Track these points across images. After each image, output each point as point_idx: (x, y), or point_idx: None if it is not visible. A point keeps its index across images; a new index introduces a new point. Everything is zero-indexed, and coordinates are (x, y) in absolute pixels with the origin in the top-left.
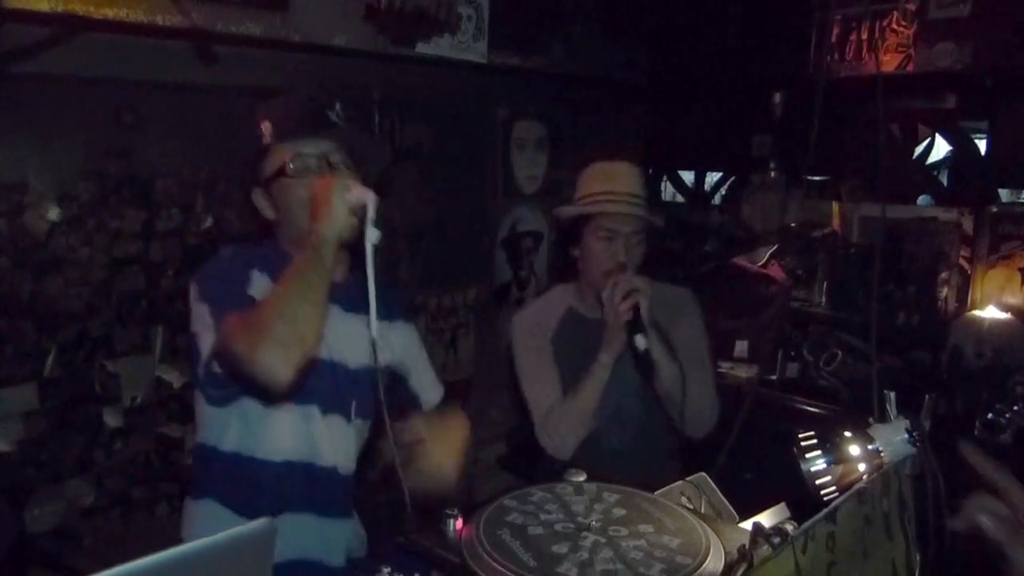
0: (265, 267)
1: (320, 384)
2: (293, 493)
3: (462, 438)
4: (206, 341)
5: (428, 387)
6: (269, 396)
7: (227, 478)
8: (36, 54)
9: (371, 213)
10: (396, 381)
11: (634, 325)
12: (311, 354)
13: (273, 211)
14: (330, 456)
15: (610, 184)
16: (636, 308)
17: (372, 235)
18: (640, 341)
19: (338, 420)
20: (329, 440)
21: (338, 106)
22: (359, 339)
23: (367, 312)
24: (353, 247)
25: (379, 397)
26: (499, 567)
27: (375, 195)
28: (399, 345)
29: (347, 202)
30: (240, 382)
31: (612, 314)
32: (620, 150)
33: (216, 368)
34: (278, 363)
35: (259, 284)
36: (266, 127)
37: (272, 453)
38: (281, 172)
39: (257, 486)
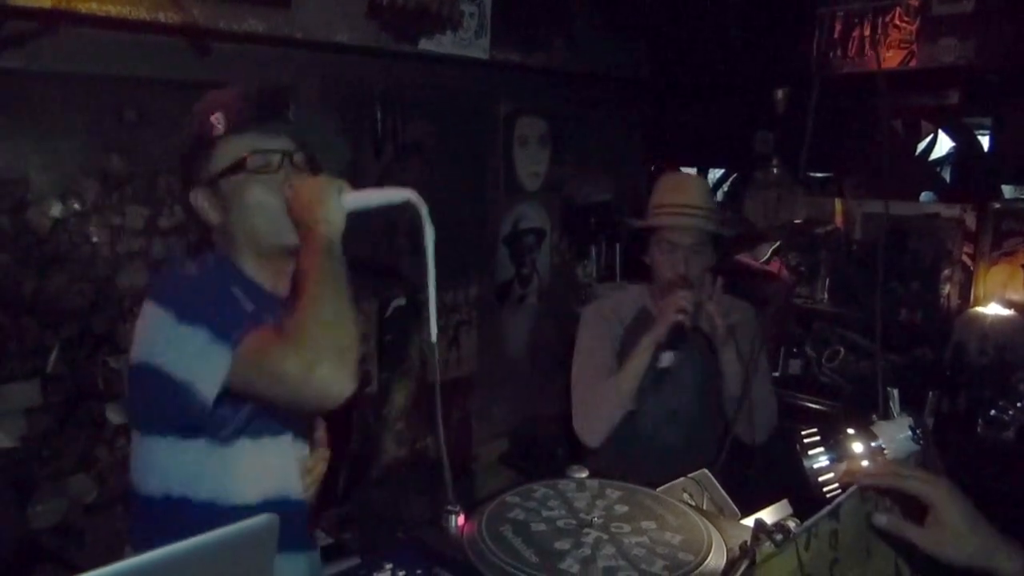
0: (234, 283)
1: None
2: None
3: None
4: (208, 369)
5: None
6: (262, 430)
7: (198, 531)
8: (38, 51)
9: (424, 212)
10: None
11: (668, 343)
12: (358, 359)
13: (218, 214)
14: (300, 485)
15: (673, 196)
16: (680, 325)
17: (430, 234)
18: (665, 358)
19: (300, 444)
20: (298, 468)
21: (292, 107)
22: None
23: None
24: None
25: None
26: (501, 563)
27: (412, 190)
28: None
29: (346, 204)
30: (265, 408)
31: (663, 311)
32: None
33: (224, 401)
34: (341, 374)
35: (243, 299)
36: (216, 117)
37: (251, 495)
38: (238, 167)
39: None
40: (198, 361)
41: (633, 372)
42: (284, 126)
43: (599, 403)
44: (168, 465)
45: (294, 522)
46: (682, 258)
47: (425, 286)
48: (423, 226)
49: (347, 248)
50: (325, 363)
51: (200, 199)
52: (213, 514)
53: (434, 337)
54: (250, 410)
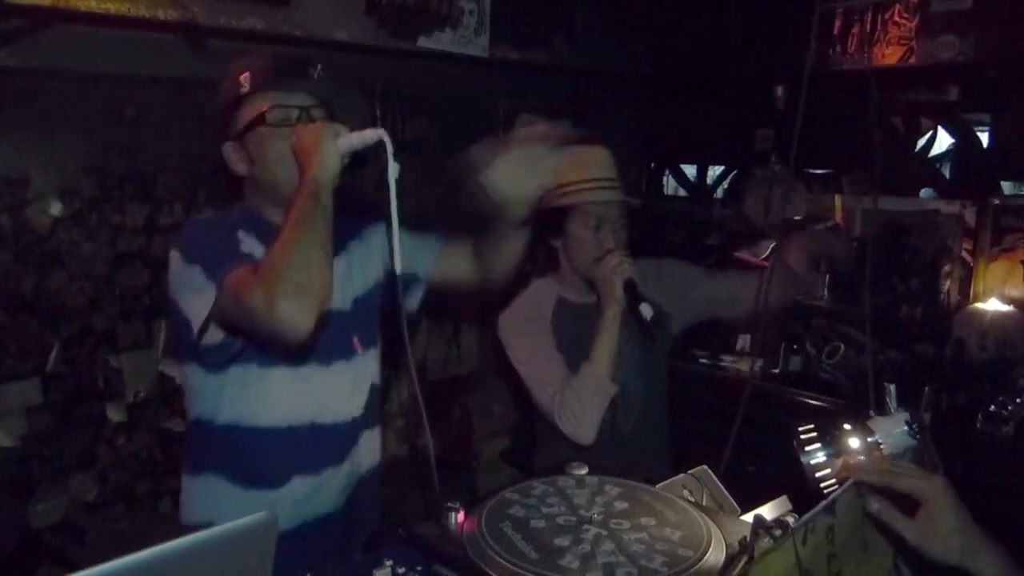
0: (247, 228)
1: (316, 339)
2: (300, 456)
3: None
4: (199, 304)
5: (426, 248)
6: (271, 355)
7: (227, 451)
8: (38, 49)
9: (389, 147)
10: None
11: (635, 298)
12: (328, 301)
13: (246, 165)
14: (334, 409)
15: (588, 171)
16: (632, 281)
17: (394, 170)
18: (646, 310)
19: (340, 366)
20: (332, 393)
21: (320, 66)
22: (345, 280)
23: (346, 251)
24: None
25: (407, 353)
26: (501, 560)
27: (382, 129)
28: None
29: (340, 147)
30: (249, 339)
31: (607, 279)
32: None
33: (214, 332)
34: (299, 312)
35: (247, 244)
36: (244, 77)
37: (273, 419)
38: (259, 122)
39: (260, 455)
40: (194, 296)
41: (608, 351)
42: (304, 84)
43: (584, 397)
44: (195, 389)
45: (334, 444)
46: (610, 231)
47: (389, 221)
48: (388, 161)
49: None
50: (285, 300)
51: (229, 151)
52: (236, 436)
53: (398, 269)
54: (242, 342)
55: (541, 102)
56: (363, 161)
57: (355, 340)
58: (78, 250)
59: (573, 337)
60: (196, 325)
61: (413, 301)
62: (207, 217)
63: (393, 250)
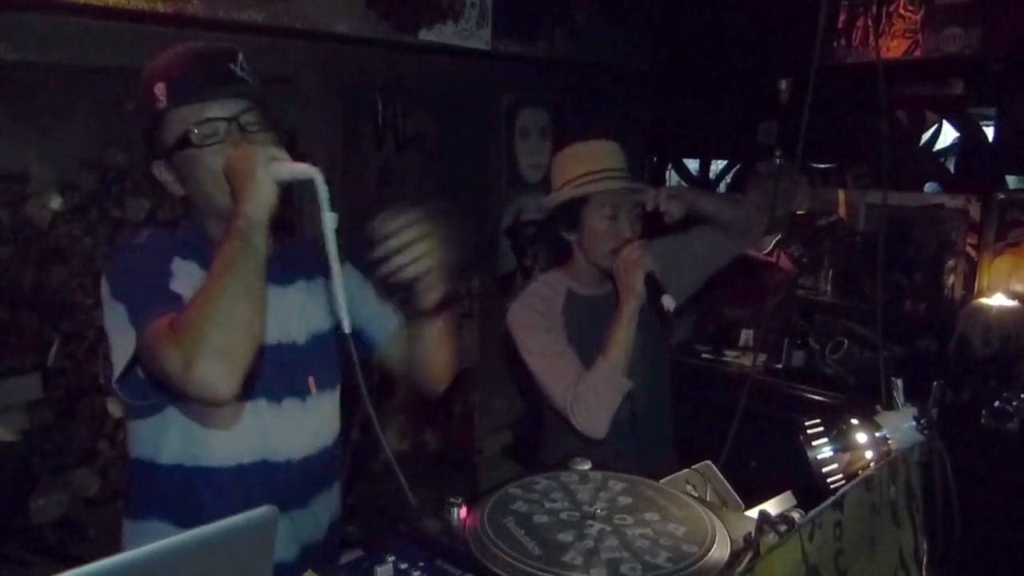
0: (188, 252)
1: (267, 372)
2: (252, 498)
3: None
4: (122, 347)
5: (386, 316)
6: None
7: (171, 494)
8: (36, 43)
9: (322, 192)
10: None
11: (656, 290)
12: (252, 358)
13: (180, 186)
14: (287, 449)
15: (601, 163)
16: (652, 274)
17: (330, 220)
18: (668, 301)
19: (293, 403)
20: (285, 430)
21: (240, 56)
22: (302, 310)
23: (307, 279)
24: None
25: (356, 376)
26: (504, 556)
27: (315, 168)
28: (359, 294)
29: (273, 175)
30: (170, 393)
31: (628, 271)
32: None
33: (138, 375)
34: (218, 377)
35: (184, 274)
36: (159, 89)
37: (221, 458)
38: (185, 142)
39: (207, 498)
40: (118, 337)
41: (624, 346)
42: (228, 90)
43: (599, 392)
44: (135, 427)
45: (288, 484)
46: (627, 221)
47: (329, 275)
48: (322, 210)
49: None
50: (203, 363)
51: (162, 172)
52: (180, 478)
53: (347, 328)
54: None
55: (543, 95)
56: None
57: (310, 379)
58: (78, 245)
59: (584, 330)
60: (116, 369)
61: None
62: (142, 242)
63: (339, 307)
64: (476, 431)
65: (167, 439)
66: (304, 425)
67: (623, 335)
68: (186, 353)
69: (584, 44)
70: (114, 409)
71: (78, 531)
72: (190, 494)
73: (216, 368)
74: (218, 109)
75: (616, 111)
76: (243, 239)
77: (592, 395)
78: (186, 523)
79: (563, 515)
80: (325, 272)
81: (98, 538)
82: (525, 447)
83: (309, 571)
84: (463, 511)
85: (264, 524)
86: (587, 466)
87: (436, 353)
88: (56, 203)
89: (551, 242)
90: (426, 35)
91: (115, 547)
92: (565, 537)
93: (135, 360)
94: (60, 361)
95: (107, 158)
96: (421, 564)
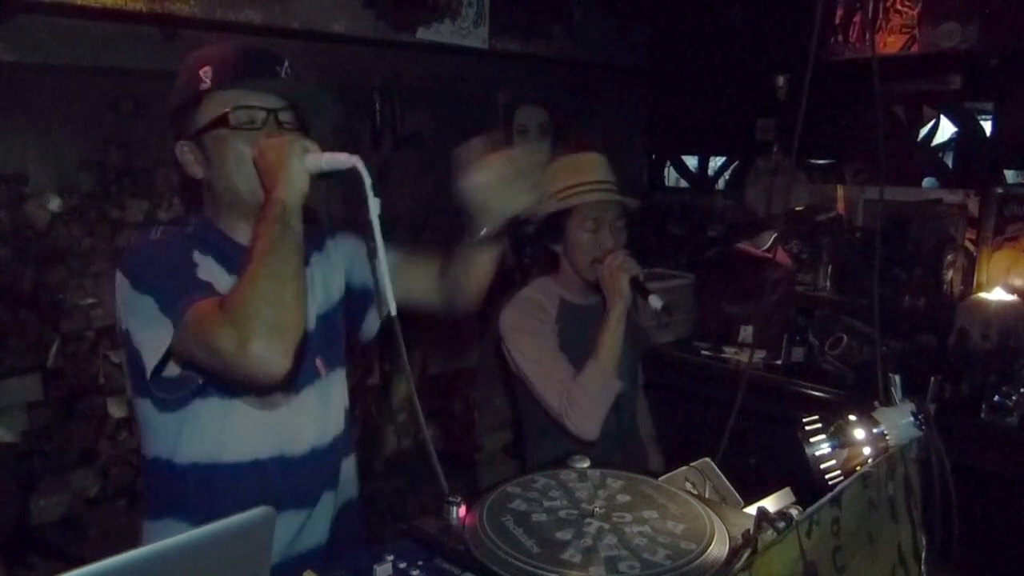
0: (204, 248)
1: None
2: (270, 493)
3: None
4: (152, 340)
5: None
6: (234, 387)
7: (188, 493)
8: (34, 44)
9: (366, 179)
10: (367, 300)
11: (642, 291)
12: (300, 335)
13: (202, 168)
14: (303, 439)
15: (584, 175)
16: (637, 276)
17: (375, 205)
18: (655, 300)
19: (306, 391)
20: (301, 422)
21: (286, 62)
22: (308, 293)
23: (307, 265)
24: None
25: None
26: (503, 554)
27: (356, 156)
28: (356, 267)
29: (310, 165)
30: (213, 378)
31: (612, 276)
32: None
33: (171, 368)
34: (274, 353)
35: (206, 267)
36: (205, 72)
37: (239, 455)
38: (220, 123)
39: (225, 495)
40: (146, 330)
41: (615, 348)
42: (273, 84)
43: (593, 394)
44: (152, 426)
45: (305, 477)
46: (609, 233)
47: (376, 260)
48: (367, 197)
49: None
50: (257, 340)
51: (185, 152)
52: (197, 476)
53: (393, 311)
54: (207, 376)
55: (541, 93)
56: (329, 173)
57: (318, 361)
58: (77, 245)
59: (574, 338)
60: (149, 363)
61: (372, 326)
62: (157, 237)
63: (385, 290)
64: (476, 429)
65: (184, 437)
66: (317, 410)
67: (612, 337)
68: (241, 331)
69: (582, 42)
70: (115, 409)
71: (79, 531)
72: (208, 492)
73: (271, 344)
74: (258, 99)
75: (614, 109)
76: (281, 222)
77: (584, 396)
78: (204, 522)
79: (562, 513)
80: (321, 249)
81: (98, 538)
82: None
83: (308, 571)
84: (462, 509)
85: (261, 525)
86: (586, 464)
87: (483, 277)
88: (55, 204)
89: (539, 252)
90: (423, 34)
91: (115, 547)
92: (563, 535)
93: (169, 352)
94: (60, 362)
95: (106, 159)
96: (420, 563)
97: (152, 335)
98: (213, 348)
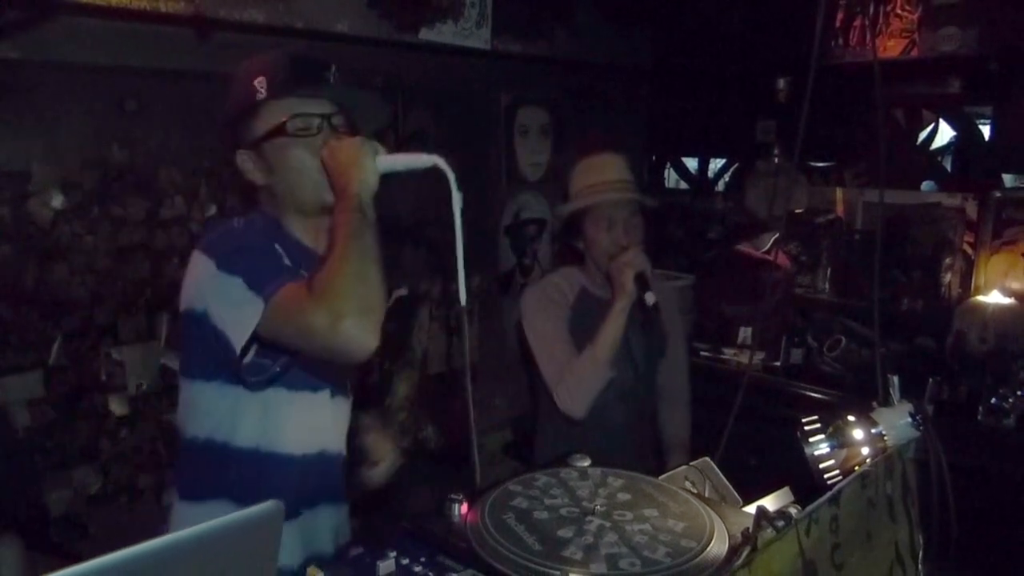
0: (275, 239)
1: (329, 364)
2: (308, 488)
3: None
4: (241, 319)
5: None
6: (297, 379)
7: (243, 476)
8: (38, 42)
9: (450, 176)
10: None
11: (643, 287)
12: (383, 317)
13: (264, 175)
14: (337, 441)
15: (599, 175)
16: (643, 273)
17: (458, 200)
18: (649, 297)
19: (340, 400)
20: (337, 425)
21: (334, 68)
22: None
23: None
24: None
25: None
26: (504, 551)
27: (435, 155)
28: None
29: (386, 165)
30: (294, 359)
31: (620, 271)
32: (614, 138)
33: (249, 354)
34: (364, 331)
35: (283, 257)
36: (260, 82)
37: (293, 446)
38: (279, 131)
39: (276, 485)
40: (232, 310)
41: (612, 339)
42: (325, 90)
43: (582, 377)
44: (211, 409)
45: (336, 479)
46: (622, 230)
47: (454, 252)
48: (452, 192)
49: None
50: (350, 318)
51: (245, 161)
52: (254, 461)
53: (463, 301)
54: (286, 361)
55: (543, 94)
56: (393, 174)
57: (349, 380)
58: (80, 243)
59: (586, 326)
60: (238, 342)
61: None
62: (241, 226)
63: (459, 284)
64: (476, 428)
65: (248, 422)
66: (344, 416)
67: (611, 329)
68: (333, 310)
69: (584, 43)
70: (116, 407)
71: (80, 528)
72: (259, 478)
73: (362, 322)
74: (313, 106)
75: (615, 110)
76: (360, 212)
77: (572, 376)
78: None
79: (563, 511)
80: None
81: (100, 535)
82: (525, 445)
83: (312, 566)
84: (464, 507)
85: (269, 519)
86: (586, 463)
87: None
88: (58, 201)
89: (564, 249)
90: (426, 34)
91: (116, 544)
92: (565, 533)
93: (256, 333)
94: (62, 359)
95: (109, 157)
96: (422, 559)
97: (240, 314)
98: (306, 327)
